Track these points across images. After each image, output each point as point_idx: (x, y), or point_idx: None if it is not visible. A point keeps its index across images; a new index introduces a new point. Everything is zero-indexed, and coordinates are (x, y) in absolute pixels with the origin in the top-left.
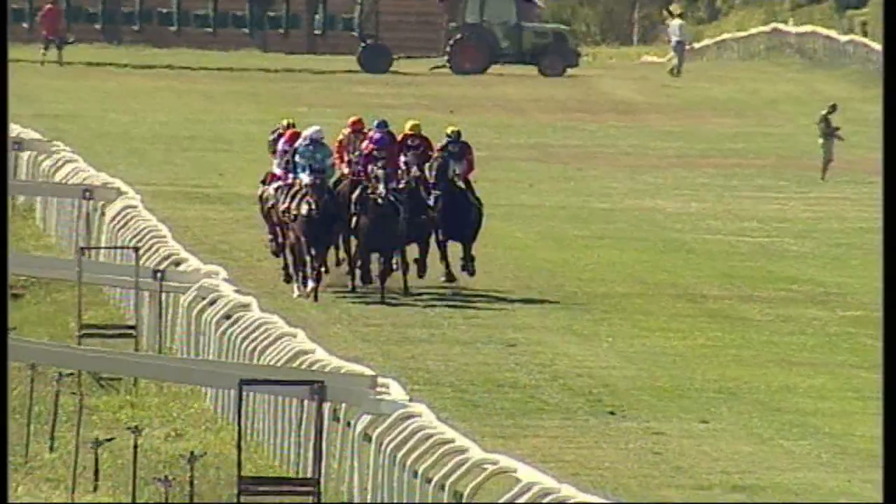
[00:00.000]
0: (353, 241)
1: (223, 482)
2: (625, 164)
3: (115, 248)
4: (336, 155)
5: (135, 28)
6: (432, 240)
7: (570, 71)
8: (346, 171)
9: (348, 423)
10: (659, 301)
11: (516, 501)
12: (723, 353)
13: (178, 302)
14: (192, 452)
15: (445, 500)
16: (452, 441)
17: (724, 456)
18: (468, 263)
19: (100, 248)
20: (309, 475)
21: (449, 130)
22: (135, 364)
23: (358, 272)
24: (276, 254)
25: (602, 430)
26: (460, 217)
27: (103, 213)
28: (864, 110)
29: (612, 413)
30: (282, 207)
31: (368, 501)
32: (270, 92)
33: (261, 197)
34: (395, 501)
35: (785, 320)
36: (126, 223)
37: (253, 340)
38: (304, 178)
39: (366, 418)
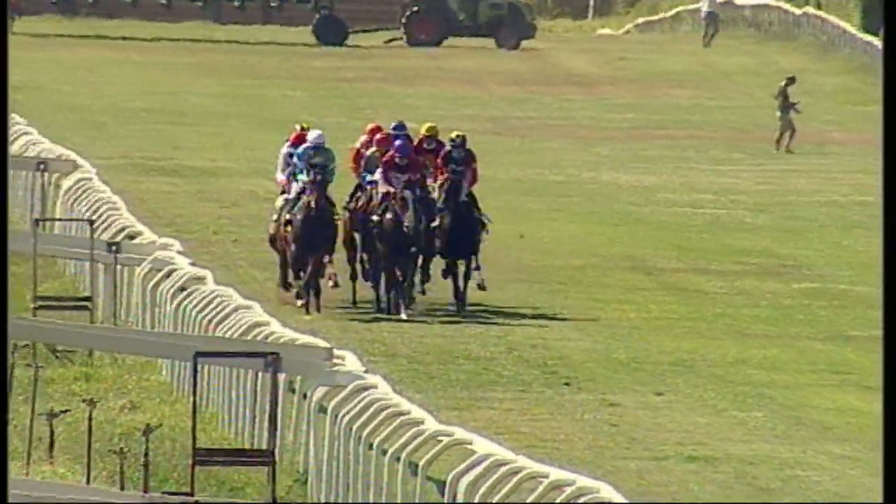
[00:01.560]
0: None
1: (178, 454)
2: (580, 137)
3: (71, 220)
4: (351, 163)
5: (90, 0)
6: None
7: (525, 43)
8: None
9: (304, 395)
10: (614, 273)
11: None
12: (678, 325)
13: (134, 274)
14: (147, 424)
15: (401, 472)
16: (408, 413)
17: (678, 427)
18: (471, 275)
19: (55, 220)
20: (264, 447)
21: (453, 135)
22: (90, 336)
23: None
24: (285, 285)
25: (557, 402)
26: (466, 236)
27: (58, 186)
28: (818, 82)
29: (567, 385)
30: (275, 217)
31: (324, 473)
32: (226, 64)
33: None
34: (351, 473)
35: (739, 292)
36: (81, 196)
37: (208, 313)
38: (303, 178)
39: (321, 390)
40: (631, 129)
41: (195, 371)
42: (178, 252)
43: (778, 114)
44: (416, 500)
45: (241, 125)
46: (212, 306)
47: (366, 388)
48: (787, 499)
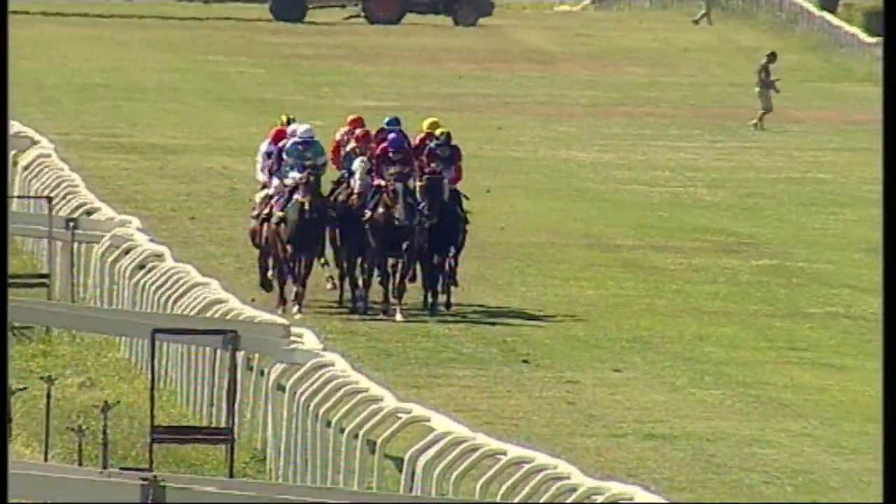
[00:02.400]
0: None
1: (136, 431)
2: (539, 114)
3: (28, 197)
4: (330, 155)
5: None
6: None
7: (483, 20)
8: (337, 172)
9: (262, 373)
10: (572, 251)
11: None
12: (636, 302)
13: (92, 251)
14: (105, 402)
15: (359, 449)
16: (366, 390)
17: (637, 405)
18: (452, 276)
19: (12, 197)
20: (222, 424)
21: (438, 132)
22: (48, 313)
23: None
24: (266, 286)
25: (515, 380)
26: (449, 234)
27: (16, 163)
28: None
29: (525, 362)
30: (255, 212)
31: (282, 450)
32: (185, 40)
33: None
34: (309, 450)
35: (697, 270)
36: (39, 172)
37: (166, 290)
38: (295, 175)
39: (279, 367)
40: (589, 106)
41: (153, 348)
42: (137, 229)
43: (757, 90)
44: (374, 478)
45: (199, 102)
46: (170, 283)
47: (324, 366)
48: (745, 476)
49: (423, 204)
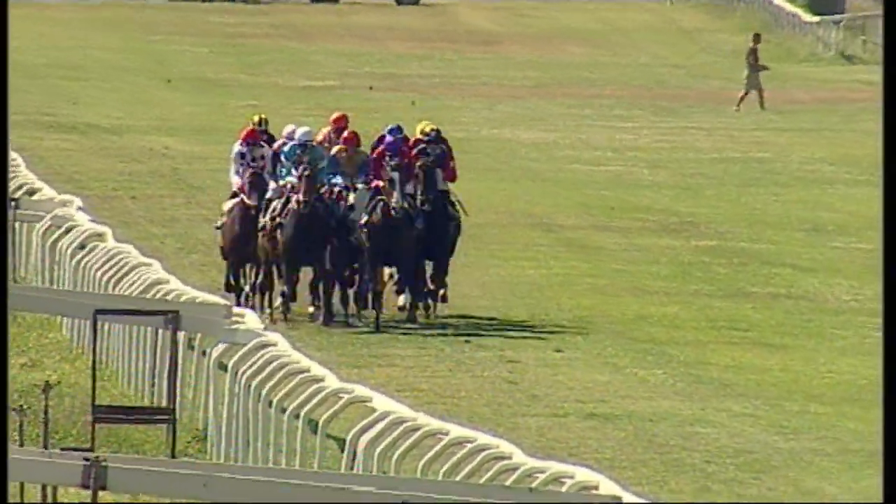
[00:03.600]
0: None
1: (78, 411)
2: (482, 94)
3: None
4: None
5: None
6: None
7: (426, 0)
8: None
9: (203, 353)
10: (515, 230)
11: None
12: (578, 282)
13: (33, 231)
14: (46, 382)
15: (301, 429)
16: (308, 370)
17: (578, 384)
18: (440, 285)
19: None
20: (164, 404)
21: (427, 128)
22: None
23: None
24: (229, 287)
25: (457, 359)
26: (440, 235)
27: None
28: (717, 40)
29: (467, 342)
30: (220, 222)
31: (223, 430)
32: (126, 19)
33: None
34: (250, 430)
35: (639, 249)
36: None
37: (108, 270)
38: (291, 177)
39: (221, 347)
40: (532, 87)
41: (95, 328)
42: (78, 209)
43: (745, 72)
44: (316, 458)
45: (141, 81)
46: (111, 263)
47: (265, 346)
48: (687, 455)
49: (420, 195)
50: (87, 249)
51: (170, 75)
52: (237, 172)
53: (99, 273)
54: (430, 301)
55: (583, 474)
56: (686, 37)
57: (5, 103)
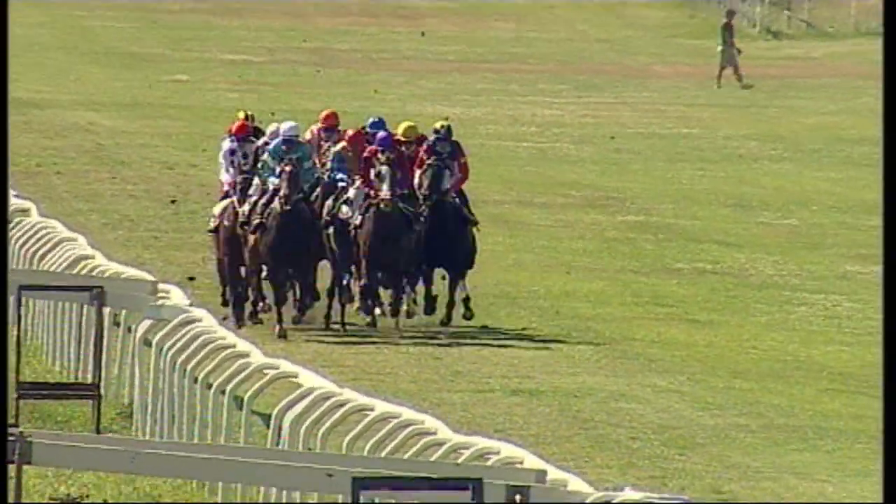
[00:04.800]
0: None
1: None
2: (405, 69)
3: None
4: None
5: None
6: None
7: None
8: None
9: (129, 329)
10: None
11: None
12: (503, 258)
13: None
14: None
15: (226, 405)
16: (233, 346)
17: (503, 360)
18: (455, 300)
19: None
20: (89, 380)
21: (438, 125)
22: None
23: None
24: (225, 303)
25: (382, 335)
26: (451, 240)
27: None
28: (641, 15)
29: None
30: (214, 224)
31: (149, 406)
32: None
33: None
34: (176, 406)
35: (564, 225)
36: None
37: (32, 245)
38: (275, 180)
39: (146, 323)
40: (455, 62)
41: (19, 304)
42: None
43: (720, 48)
44: (241, 433)
45: (65, 56)
46: (36, 239)
47: (191, 322)
48: (612, 431)
49: (423, 189)
50: (11, 225)
51: (95, 50)
52: (227, 171)
53: (23, 249)
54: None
55: (508, 450)
56: (610, 11)
57: (5, 104)
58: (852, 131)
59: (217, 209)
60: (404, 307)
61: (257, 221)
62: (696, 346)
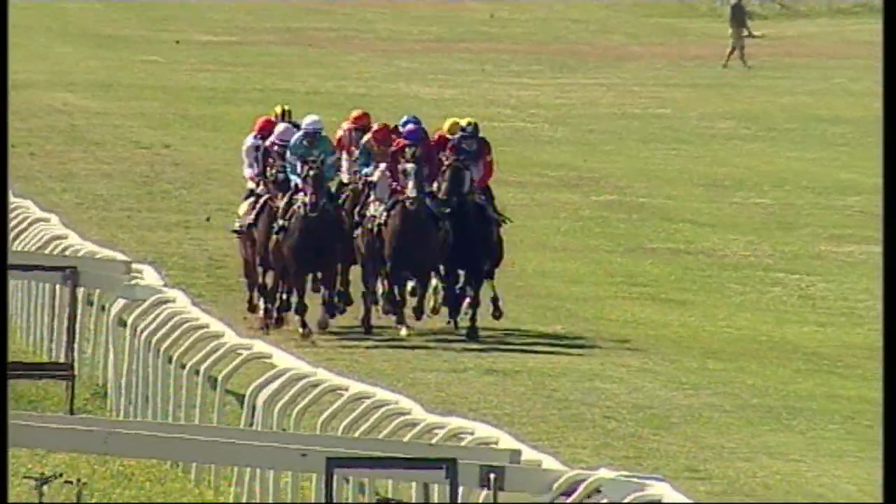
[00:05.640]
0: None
1: None
2: (381, 49)
3: None
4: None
5: None
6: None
7: None
8: (345, 178)
9: (103, 308)
10: None
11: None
12: None
13: None
14: None
15: (200, 385)
16: (207, 326)
17: (477, 339)
18: (479, 300)
19: None
20: (63, 360)
21: (464, 122)
22: None
23: (380, 300)
24: (252, 308)
25: (354, 315)
26: (472, 240)
27: None
28: None
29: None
30: (247, 221)
31: (123, 386)
32: None
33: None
34: (150, 386)
35: (539, 205)
36: None
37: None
38: (297, 179)
39: (120, 303)
40: (431, 42)
41: None
42: None
43: (730, 30)
44: (215, 414)
45: (39, 37)
46: (10, 218)
47: (165, 302)
48: (586, 410)
49: (442, 193)
50: None
51: (69, 31)
52: (251, 166)
53: None
54: (470, 312)
55: (482, 430)
56: None
57: (5, 103)
58: (826, 111)
59: (242, 208)
60: (431, 304)
61: (281, 223)
62: (670, 325)
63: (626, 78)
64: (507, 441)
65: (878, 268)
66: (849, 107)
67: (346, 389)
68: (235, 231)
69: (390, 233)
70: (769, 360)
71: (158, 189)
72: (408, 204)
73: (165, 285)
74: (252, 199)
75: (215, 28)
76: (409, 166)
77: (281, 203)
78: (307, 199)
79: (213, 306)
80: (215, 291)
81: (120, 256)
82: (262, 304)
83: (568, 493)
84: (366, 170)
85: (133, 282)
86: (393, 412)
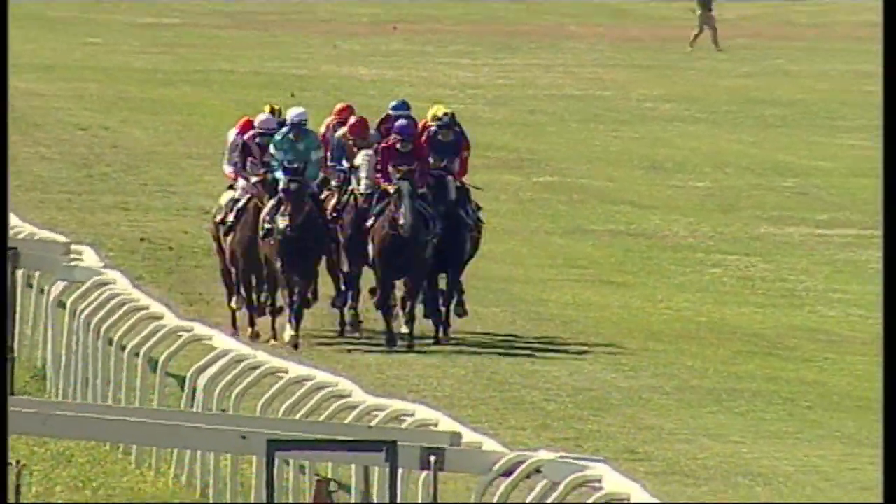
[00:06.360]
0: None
1: None
2: (322, 31)
3: None
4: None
5: None
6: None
7: None
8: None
9: (42, 290)
10: None
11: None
12: None
13: None
14: None
15: (140, 367)
16: (147, 308)
17: (417, 321)
18: (457, 299)
19: None
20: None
21: (438, 112)
22: None
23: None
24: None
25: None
26: (453, 242)
27: None
28: None
29: None
30: (219, 218)
31: (62, 368)
32: None
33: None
34: (90, 368)
35: (480, 186)
36: None
37: None
38: (281, 179)
39: (60, 285)
40: (372, 23)
41: None
42: None
43: (698, 12)
44: (156, 396)
45: None
46: None
47: (105, 284)
48: (527, 393)
49: (430, 212)
50: None
51: (10, 13)
52: (231, 163)
53: None
54: (441, 319)
55: (422, 412)
56: None
57: (5, 102)
58: (766, 93)
59: (224, 199)
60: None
61: (267, 226)
62: (611, 307)
63: (566, 59)
64: (447, 423)
65: (815, 249)
66: (787, 89)
67: (287, 372)
68: (219, 223)
69: (378, 248)
70: (709, 342)
71: (98, 171)
72: (401, 231)
73: (105, 267)
74: (232, 197)
75: (155, 10)
76: (404, 186)
77: (266, 207)
78: (286, 220)
79: (153, 288)
80: (155, 273)
81: (60, 238)
82: (235, 304)
83: (508, 474)
84: (339, 166)
85: (73, 263)
86: (333, 394)
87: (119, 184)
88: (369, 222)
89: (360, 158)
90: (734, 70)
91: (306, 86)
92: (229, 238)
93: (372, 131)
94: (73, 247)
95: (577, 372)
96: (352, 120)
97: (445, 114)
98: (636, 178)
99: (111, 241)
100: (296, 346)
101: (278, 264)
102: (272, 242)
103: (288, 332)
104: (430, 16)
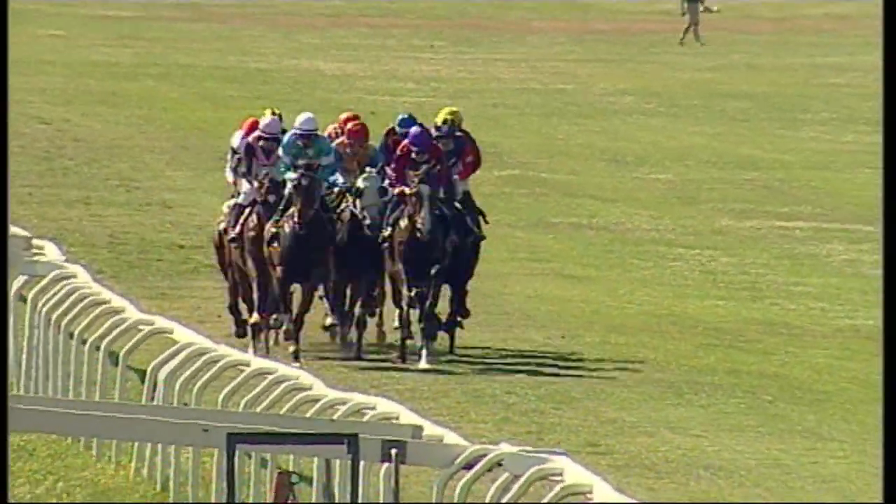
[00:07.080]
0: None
1: None
2: (282, 24)
3: None
4: None
5: None
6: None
7: None
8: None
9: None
10: None
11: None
12: None
13: None
14: None
15: (101, 361)
16: (108, 302)
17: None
18: (458, 305)
19: None
20: None
21: (439, 119)
22: None
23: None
24: (232, 307)
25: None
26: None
27: None
28: None
29: None
30: (223, 227)
31: (23, 362)
32: None
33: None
34: (51, 362)
35: None
36: None
37: None
38: (291, 178)
39: (21, 279)
40: (332, 17)
41: None
42: None
43: (685, 5)
44: (117, 389)
45: None
46: None
47: (66, 278)
48: (487, 386)
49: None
50: None
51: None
52: (233, 169)
53: None
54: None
55: (384, 405)
56: None
57: (5, 102)
58: (728, 87)
59: (226, 206)
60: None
61: (274, 232)
62: (572, 301)
63: (528, 53)
64: (408, 416)
65: (776, 243)
66: (749, 82)
67: (248, 365)
68: (219, 231)
69: (400, 252)
70: (670, 335)
71: (59, 165)
72: (419, 235)
73: (66, 261)
74: (236, 203)
75: (117, 3)
76: (424, 188)
77: (271, 222)
78: (295, 215)
79: (114, 282)
80: (116, 267)
81: (20, 232)
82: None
83: (469, 467)
84: (336, 178)
85: (34, 257)
86: (294, 388)
87: (81, 178)
88: (386, 232)
89: (362, 181)
90: (697, 64)
91: (267, 79)
92: (236, 253)
93: (375, 144)
94: (35, 241)
95: (538, 365)
96: (349, 126)
97: (445, 121)
98: (598, 172)
99: (73, 236)
100: (297, 358)
101: (279, 271)
102: (277, 246)
103: (291, 347)
104: (392, 9)
